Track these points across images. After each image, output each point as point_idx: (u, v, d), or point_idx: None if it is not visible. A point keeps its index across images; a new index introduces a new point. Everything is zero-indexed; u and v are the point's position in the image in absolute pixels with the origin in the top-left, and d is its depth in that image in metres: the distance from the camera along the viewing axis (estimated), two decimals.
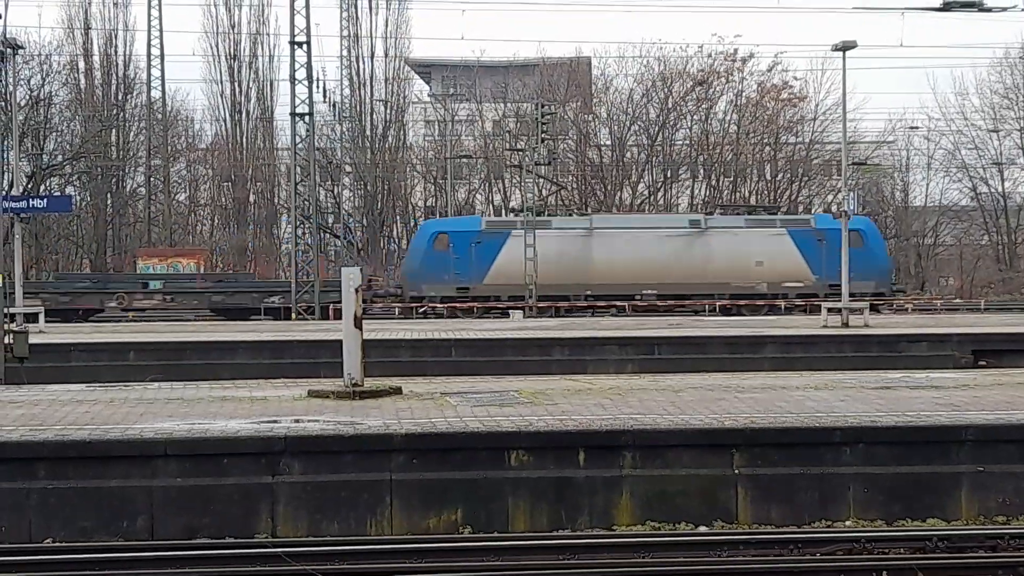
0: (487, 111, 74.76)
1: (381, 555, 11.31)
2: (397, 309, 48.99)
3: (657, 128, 70.86)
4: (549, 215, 53.96)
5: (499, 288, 47.97)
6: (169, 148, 73.12)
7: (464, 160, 70.03)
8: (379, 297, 50.91)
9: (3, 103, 57.65)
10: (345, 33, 75.14)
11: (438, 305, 48.00)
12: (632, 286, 48.03)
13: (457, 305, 47.88)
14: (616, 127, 71.61)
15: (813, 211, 70.12)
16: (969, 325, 35.40)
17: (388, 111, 75.01)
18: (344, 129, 75.06)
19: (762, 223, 50.35)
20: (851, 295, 47.27)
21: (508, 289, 47.90)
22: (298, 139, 49.48)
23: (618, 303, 47.64)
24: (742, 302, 47.91)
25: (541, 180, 67.85)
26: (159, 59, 71.78)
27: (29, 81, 62.35)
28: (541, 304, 47.48)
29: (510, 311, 47.25)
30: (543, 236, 48.38)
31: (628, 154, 71.44)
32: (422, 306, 48.11)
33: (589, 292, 48.11)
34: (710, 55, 71.16)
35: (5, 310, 24.44)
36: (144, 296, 49.45)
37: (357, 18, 75.25)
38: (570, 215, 56.15)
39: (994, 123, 72.29)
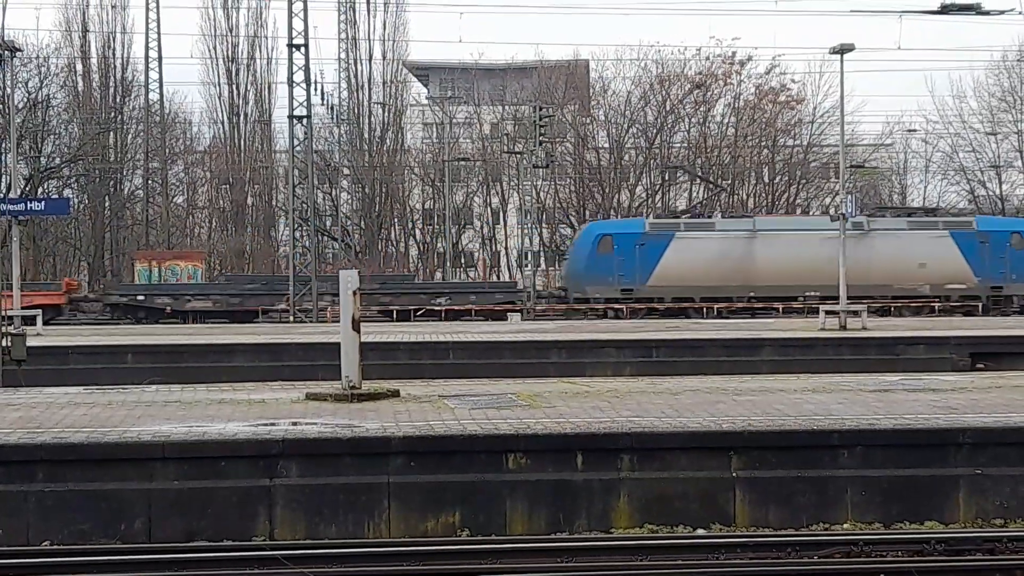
0: (485, 114, 74.83)
1: (379, 558, 11.31)
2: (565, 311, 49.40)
3: (655, 131, 70.90)
4: (709, 216, 53.95)
5: (663, 290, 48.09)
6: (167, 151, 73.12)
7: (462, 163, 70.06)
8: (542, 298, 51.21)
9: (1, 106, 57.62)
10: (343, 36, 75.30)
11: (601, 306, 48.26)
12: (795, 287, 48.14)
13: (620, 307, 48.07)
14: (614, 130, 71.65)
15: (811, 214, 70.29)
16: (967, 328, 35.41)
17: (386, 114, 75.11)
18: (342, 132, 75.11)
19: (924, 225, 50.29)
20: (1012, 297, 47.60)
21: (673, 291, 48.04)
22: (296, 142, 49.47)
23: (779, 304, 47.85)
24: (901, 303, 48.11)
25: (551, 182, 67.96)
26: (157, 62, 71.81)
27: (27, 84, 62.34)
28: (701, 305, 47.68)
29: (508, 314, 47.31)
30: (706, 237, 48.60)
31: (626, 157, 71.46)
32: (589, 307, 48.36)
33: (752, 294, 48.16)
34: (708, 58, 71.32)
35: (3, 312, 24.41)
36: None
37: (355, 21, 75.40)
38: (733, 216, 55.95)
39: (991, 126, 72.47)
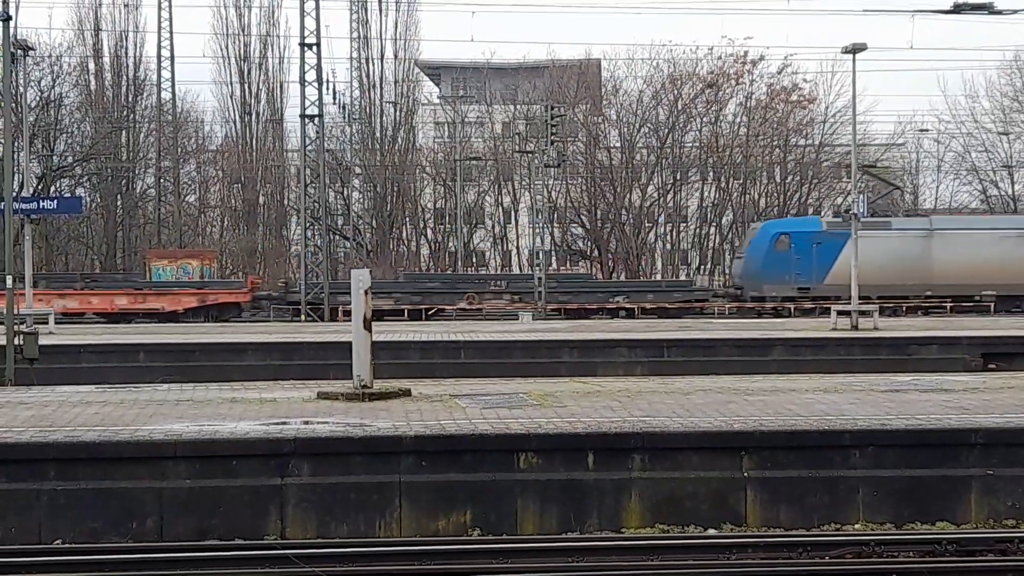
0: (497, 113, 74.74)
1: (390, 557, 11.32)
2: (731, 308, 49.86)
3: (667, 130, 70.83)
4: (885, 216, 54.08)
5: (841, 288, 48.03)
6: (179, 150, 73.20)
7: (474, 162, 70.05)
8: (718, 297, 51.42)
9: (14, 104, 57.74)
10: (355, 35, 75.30)
11: (777, 304, 48.61)
12: (972, 286, 48.50)
13: (797, 305, 48.31)
14: (626, 129, 71.58)
15: (823, 214, 70.30)
16: (979, 328, 35.34)
17: (398, 113, 75.08)
18: (354, 131, 75.14)
19: None
20: None
21: (849, 289, 48.10)
22: (308, 141, 49.54)
23: (955, 303, 48.27)
24: None
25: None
26: (169, 61, 71.89)
27: (39, 82, 62.44)
28: (877, 304, 47.89)
29: (520, 313, 47.37)
30: (881, 236, 48.75)
31: (637, 156, 71.40)
32: (761, 306, 48.78)
33: (929, 292, 48.45)
34: (720, 57, 71.22)
35: (16, 311, 24.49)
36: (493, 296, 50.90)
37: (367, 20, 75.40)
38: (908, 215, 55.95)
39: (1004, 126, 72.24)
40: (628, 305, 49.32)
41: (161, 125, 71.67)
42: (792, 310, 48.23)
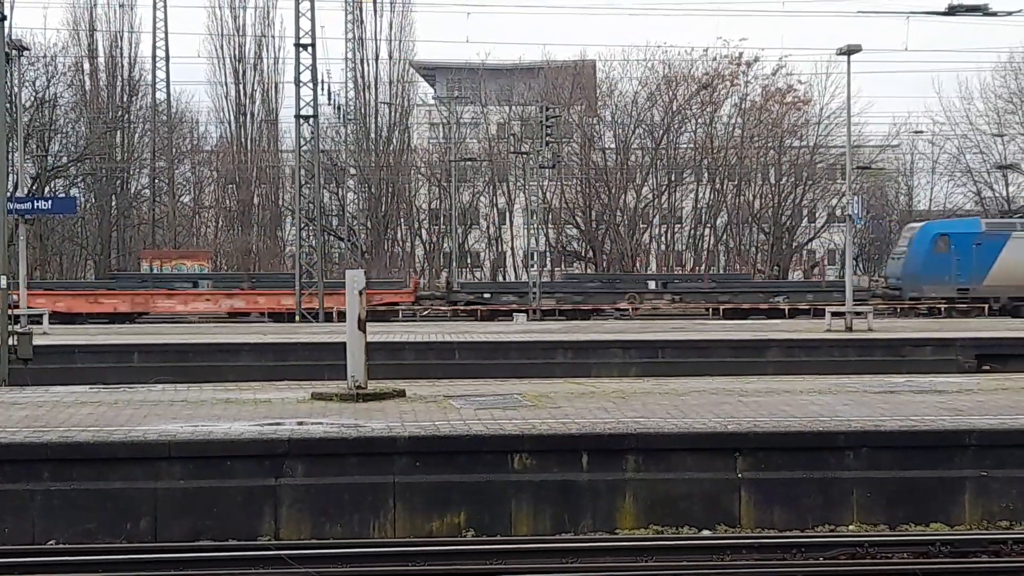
0: (492, 114, 74.71)
1: (384, 558, 11.33)
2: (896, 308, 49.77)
3: (661, 131, 70.83)
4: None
5: (999, 289, 48.52)
6: (174, 150, 73.15)
7: (468, 163, 70.00)
8: (877, 297, 51.58)
9: (8, 104, 57.63)
10: (350, 36, 75.31)
11: (934, 304, 48.72)
12: None
13: (953, 306, 48.56)
14: (620, 130, 71.54)
15: (817, 215, 70.41)
16: (973, 329, 35.35)
17: (392, 114, 75.01)
18: (348, 131, 75.10)
19: None
20: None
21: (1009, 290, 48.47)
22: (303, 141, 49.45)
23: None
24: None
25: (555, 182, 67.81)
26: (164, 61, 71.97)
27: (34, 83, 62.34)
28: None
29: (515, 314, 47.39)
30: None
31: (632, 157, 71.37)
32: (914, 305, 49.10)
33: None
34: (715, 58, 71.14)
35: (9, 311, 24.45)
36: (654, 296, 51.24)
37: (362, 21, 75.37)
38: None
39: (999, 127, 72.28)
40: (784, 306, 49.29)
41: (156, 125, 71.66)
42: (950, 310, 48.30)
